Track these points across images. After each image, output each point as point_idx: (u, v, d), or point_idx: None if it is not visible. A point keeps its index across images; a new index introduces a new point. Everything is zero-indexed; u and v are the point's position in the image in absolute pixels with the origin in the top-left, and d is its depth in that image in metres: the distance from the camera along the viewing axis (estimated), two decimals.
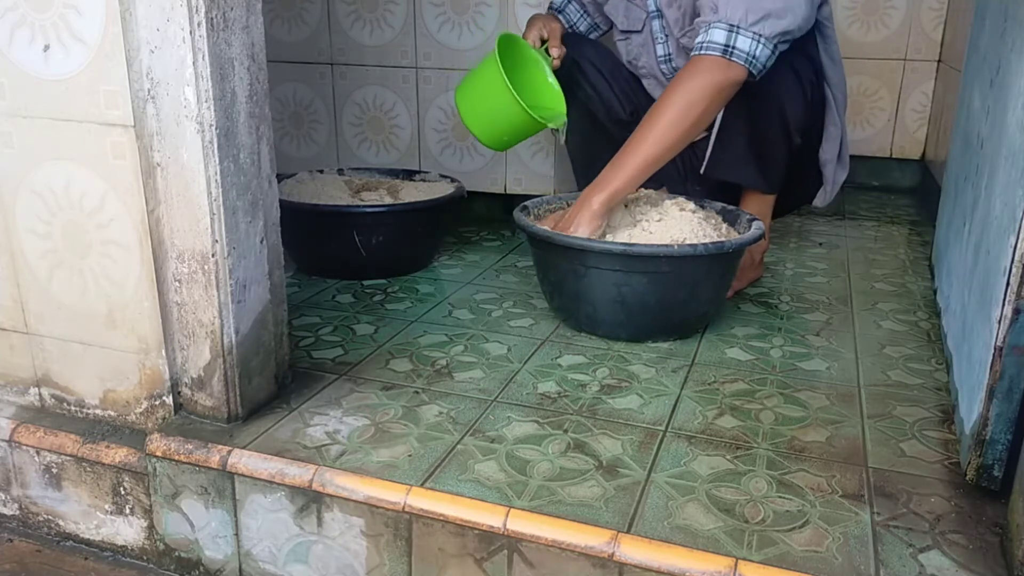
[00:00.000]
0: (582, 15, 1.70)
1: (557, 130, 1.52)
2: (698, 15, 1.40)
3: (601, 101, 1.64)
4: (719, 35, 1.28)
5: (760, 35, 1.28)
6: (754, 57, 1.29)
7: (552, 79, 1.57)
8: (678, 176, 1.65)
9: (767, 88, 1.36)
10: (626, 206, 1.43)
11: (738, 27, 1.27)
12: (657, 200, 1.43)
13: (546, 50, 1.56)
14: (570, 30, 1.68)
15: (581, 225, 1.31)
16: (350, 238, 1.55)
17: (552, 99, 1.57)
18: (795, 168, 1.50)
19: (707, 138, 1.65)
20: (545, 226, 1.36)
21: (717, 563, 0.80)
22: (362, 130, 2.09)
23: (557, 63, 1.56)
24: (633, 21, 1.62)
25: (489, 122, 1.49)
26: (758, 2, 1.27)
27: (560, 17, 1.69)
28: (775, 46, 1.30)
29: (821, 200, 1.59)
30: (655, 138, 1.31)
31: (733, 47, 1.28)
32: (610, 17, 1.67)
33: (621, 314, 1.28)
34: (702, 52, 1.30)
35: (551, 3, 1.71)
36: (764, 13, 1.27)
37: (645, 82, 1.68)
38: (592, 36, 1.72)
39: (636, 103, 1.68)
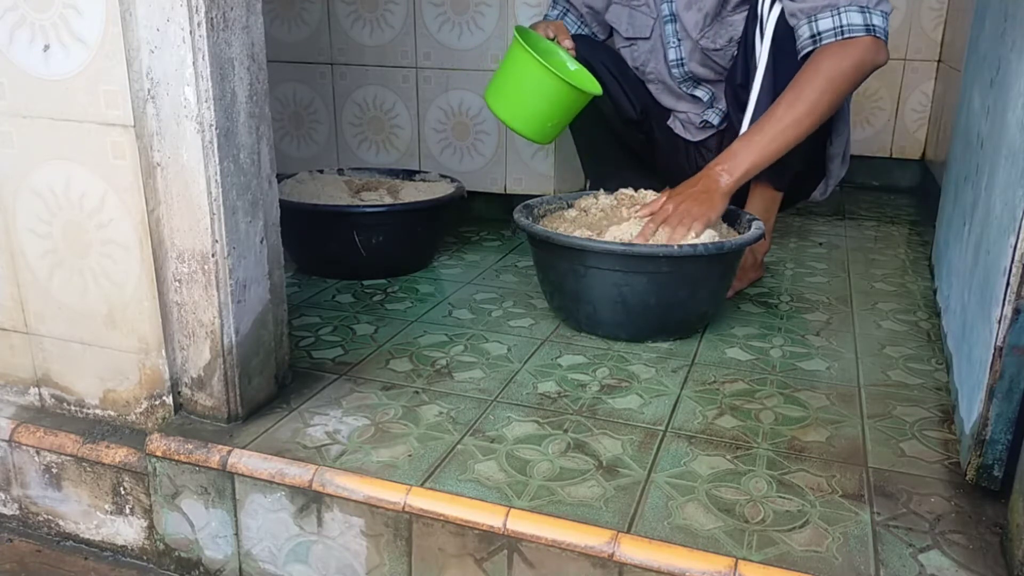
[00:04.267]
0: (580, 25, 1.70)
1: (600, 97, 1.49)
2: (772, 7, 1.38)
3: (611, 100, 1.64)
4: (856, 17, 1.29)
5: (886, 13, 1.30)
6: (887, 33, 1.31)
7: (572, 62, 1.54)
8: (683, 175, 1.65)
9: (782, 85, 1.37)
10: (625, 208, 1.43)
11: (868, 7, 1.29)
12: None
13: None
14: None
15: (714, 209, 1.29)
16: (350, 238, 1.55)
17: (579, 79, 1.53)
18: (803, 163, 1.51)
19: (712, 136, 1.66)
20: (645, 210, 1.32)
21: (717, 563, 0.80)
22: (362, 130, 2.09)
23: (572, 54, 1.55)
24: (639, 28, 1.62)
25: (529, 109, 1.44)
26: None
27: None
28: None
29: (820, 194, 1.60)
30: (796, 118, 1.30)
31: (873, 25, 1.29)
32: (612, 25, 1.67)
33: (621, 314, 1.28)
34: (844, 36, 1.29)
35: (546, 16, 1.71)
36: None
37: (651, 87, 1.68)
38: None
39: (645, 102, 1.68)
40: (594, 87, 1.50)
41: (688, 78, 1.61)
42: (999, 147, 1.01)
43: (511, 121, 1.45)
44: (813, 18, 1.32)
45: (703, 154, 1.67)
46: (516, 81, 1.43)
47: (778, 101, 1.32)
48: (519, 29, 1.47)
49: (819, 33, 1.31)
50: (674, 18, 1.57)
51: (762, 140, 1.31)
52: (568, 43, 1.53)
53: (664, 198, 1.34)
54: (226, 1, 0.93)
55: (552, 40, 1.55)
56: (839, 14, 1.30)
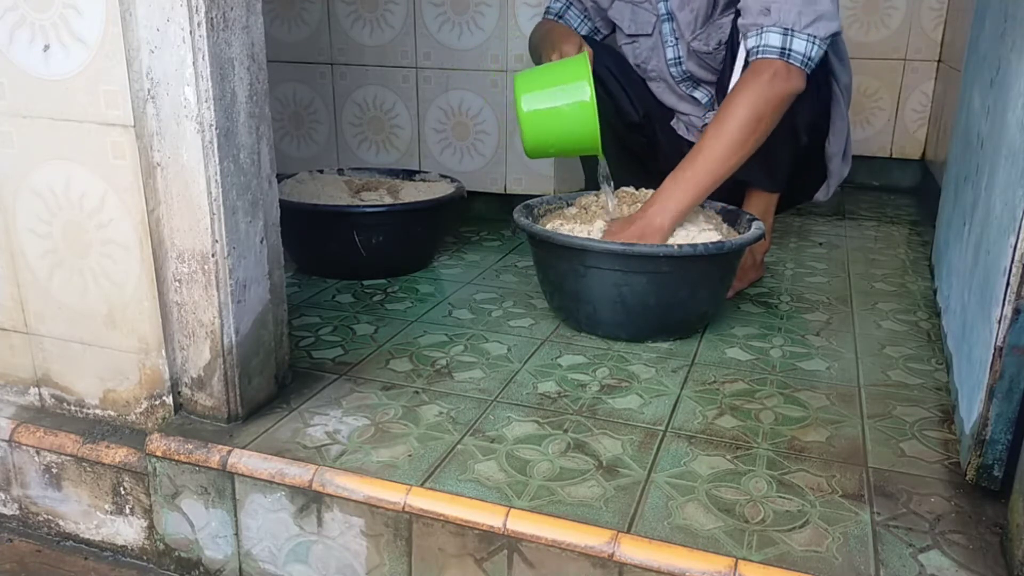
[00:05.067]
0: (583, 20, 1.69)
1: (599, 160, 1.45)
2: (737, 16, 1.37)
3: (613, 104, 1.64)
4: (775, 39, 1.28)
5: (815, 36, 1.27)
6: (809, 59, 1.29)
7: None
8: None
9: None
10: (627, 206, 1.43)
11: (792, 30, 1.27)
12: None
13: None
14: None
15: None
16: (350, 238, 1.55)
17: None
18: (800, 163, 1.50)
19: None
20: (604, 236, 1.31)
21: (717, 563, 0.80)
22: (362, 130, 2.09)
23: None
24: (641, 25, 1.62)
25: (552, 131, 1.37)
26: (810, 5, 1.27)
27: (562, 24, 1.68)
28: (825, 48, 1.30)
29: (823, 195, 1.59)
30: (722, 156, 1.28)
31: (790, 50, 1.27)
32: (615, 21, 1.66)
33: (621, 314, 1.28)
34: (758, 56, 1.29)
35: (548, 9, 1.70)
36: (816, 15, 1.27)
37: (653, 85, 1.67)
38: None
39: (647, 106, 1.68)
40: (600, 148, 1.46)
41: (687, 78, 1.61)
42: (999, 147, 1.01)
43: (528, 126, 1.38)
44: (745, 35, 1.33)
45: None
46: (561, 102, 1.36)
47: (704, 134, 1.32)
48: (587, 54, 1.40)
49: (747, 51, 1.32)
50: (671, 16, 1.56)
51: (693, 177, 1.30)
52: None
53: (604, 236, 1.33)
54: (226, 1, 0.93)
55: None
56: (760, 34, 1.29)
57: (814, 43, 1.28)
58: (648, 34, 1.62)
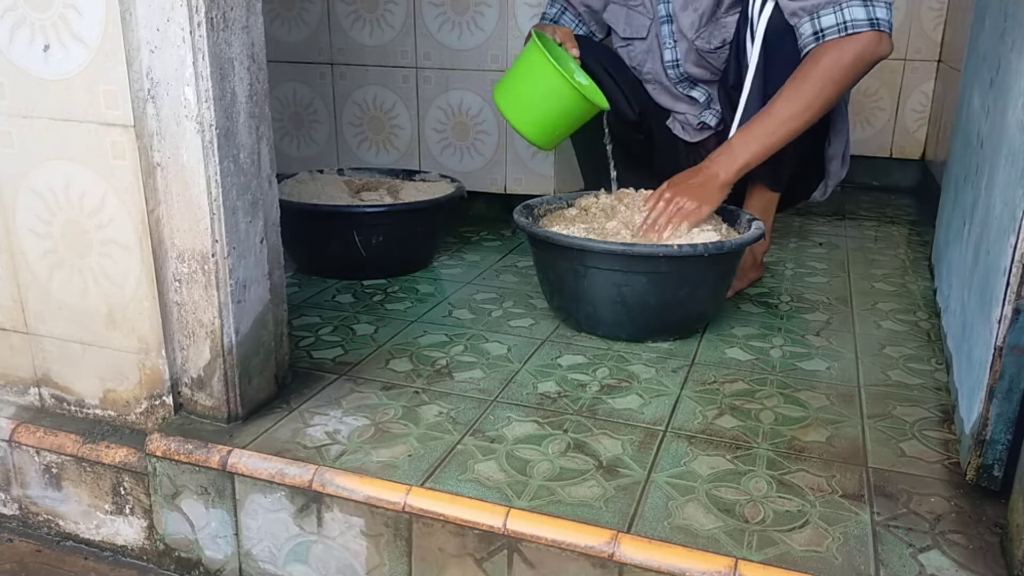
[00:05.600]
0: (578, 24, 1.70)
1: (605, 113, 1.48)
2: (785, 10, 1.37)
3: (609, 101, 1.64)
4: (859, 12, 1.28)
5: (889, 3, 1.29)
6: (891, 24, 1.30)
7: (579, 72, 1.53)
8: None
9: (772, 87, 1.37)
10: (625, 207, 1.43)
11: (870, 0, 1.28)
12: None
13: None
14: None
15: (709, 202, 1.30)
16: (350, 238, 1.55)
17: (590, 91, 1.52)
18: (800, 163, 1.50)
19: (711, 138, 1.66)
20: (649, 201, 1.33)
21: (717, 563, 0.80)
22: (362, 130, 2.09)
23: (578, 63, 1.54)
24: (636, 28, 1.62)
25: (538, 115, 1.42)
26: None
27: (547, 24, 1.68)
28: None
29: (820, 194, 1.60)
30: (795, 112, 1.29)
31: (877, 19, 1.28)
32: (609, 24, 1.67)
33: (621, 314, 1.28)
34: (848, 32, 1.29)
35: (544, 14, 1.70)
36: None
37: (649, 87, 1.67)
38: None
39: (644, 104, 1.68)
40: (602, 101, 1.49)
41: (684, 79, 1.62)
42: (999, 147, 1.01)
43: (518, 124, 1.44)
44: (815, 15, 1.31)
45: (701, 155, 1.66)
46: (529, 85, 1.42)
47: (777, 95, 1.32)
48: (537, 33, 1.45)
49: (822, 30, 1.31)
50: (671, 19, 1.57)
51: (760, 134, 1.31)
52: (575, 52, 1.52)
53: (664, 189, 1.35)
54: (226, 1, 0.93)
55: (559, 47, 1.55)
56: (842, 9, 1.29)
57: (889, 9, 1.30)
58: (643, 37, 1.62)
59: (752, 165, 1.32)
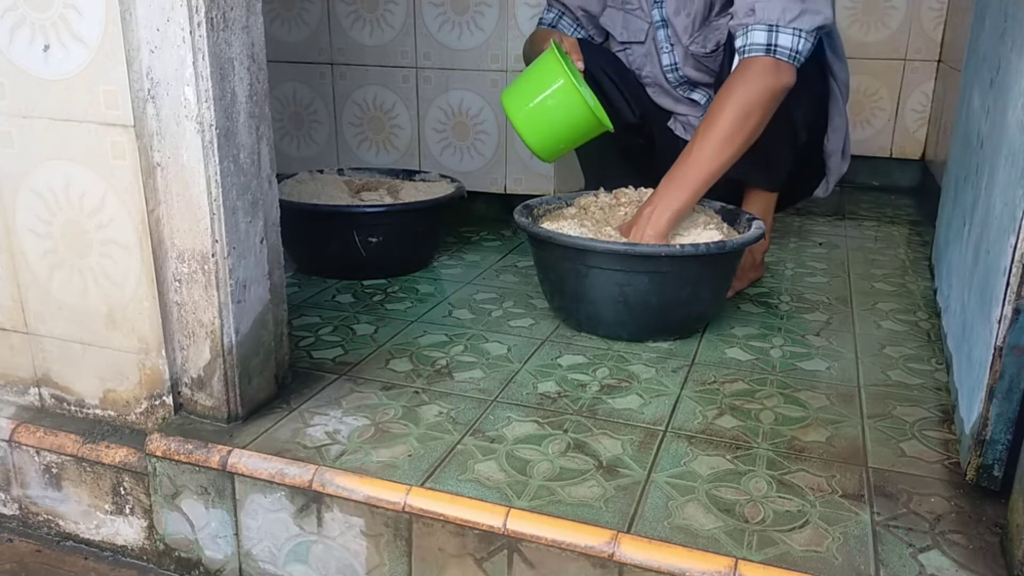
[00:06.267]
0: (576, 29, 1.69)
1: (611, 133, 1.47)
2: (729, 18, 1.37)
3: (610, 105, 1.64)
4: (760, 36, 1.28)
5: (800, 30, 1.28)
6: (797, 52, 1.29)
7: (587, 90, 1.50)
8: None
9: None
10: (624, 208, 1.43)
11: (777, 25, 1.27)
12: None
13: None
14: None
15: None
16: (350, 238, 1.55)
17: (600, 110, 1.51)
18: (800, 161, 1.50)
19: None
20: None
21: (717, 563, 0.80)
22: (362, 130, 2.09)
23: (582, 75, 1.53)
24: (633, 32, 1.62)
25: (549, 128, 1.40)
26: (794, 0, 1.27)
27: (545, 28, 1.67)
28: (814, 40, 1.30)
29: (823, 191, 1.60)
30: (713, 153, 1.29)
31: (776, 45, 1.28)
32: (607, 28, 1.66)
33: (623, 314, 1.28)
34: (745, 55, 1.29)
35: (541, 19, 1.70)
36: (800, 10, 1.27)
37: (649, 90, 1.68)
38: None
39: (644, 106, 1.68)
40: (607, 121, 1.47)
41: (684, 82, 1.62)
42: (999, 147, 1.01)
43: (526, 134, 1.41)
44: (734, 36, 1.33)
45: None
46: (543, 96, 1.39)
47: (696, 133, 1.32)
48: (556, 44, 1.42)
49: (736, 50, 1.32)
50: (666, 24, 1.57)
51: (687, 176, 1.30)
52: (581, 65, 1.51)
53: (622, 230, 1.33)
54: (226, 1, 0.93)
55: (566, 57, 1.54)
56: (746, 32, 1.30)
57: (800, 36, 1.28)
58: (641, 41, 1.62)
59: (688, 207, 1.31)
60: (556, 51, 1.38)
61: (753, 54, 1.28)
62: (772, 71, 1.28)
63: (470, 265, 1.71)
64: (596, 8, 1.66)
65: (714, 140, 1.28)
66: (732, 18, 1.34)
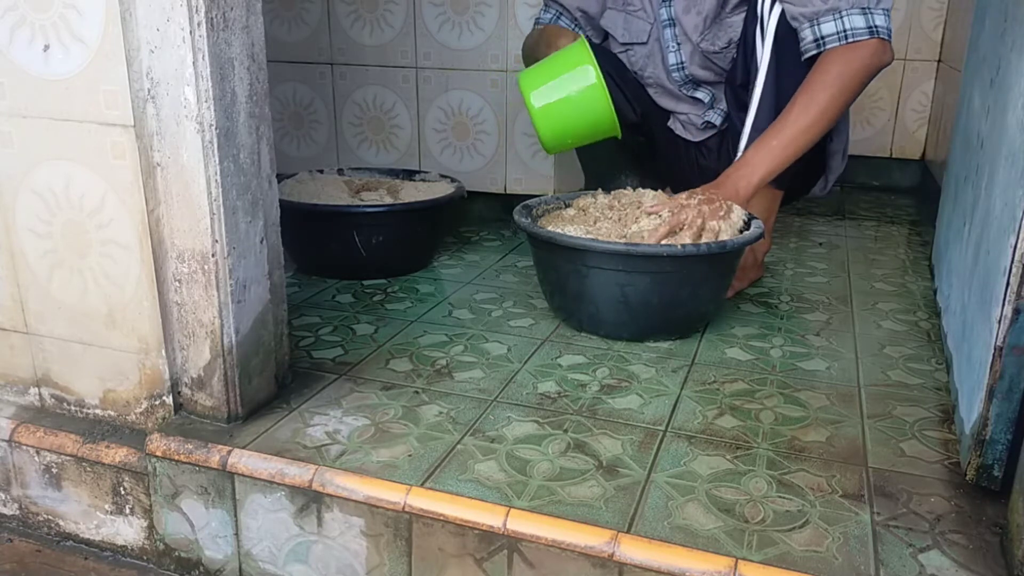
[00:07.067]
0: (574, 28, 1.69)
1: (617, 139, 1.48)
2: (749, 12, 1.38)
3: (612, 104, 1.64)
4: (858, 20, 1.30)
5: (887, 10, 1.32)
6: (889, 30, 1.32)
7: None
8: (683, 176, 1.65)
9: (784, 85, 1.37)
10: (623, 206, 1.43)
11: (869, 8, 1.30)
12: (660, 200, 1.42)
13: None
14: None
15: (729, 219, 1.30)
16: (350, 238, 1.55)
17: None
18: (802, 161, 1.51)
19: (713, 136, 1.66)
20: (665, 209, 1.31)
21: (717, 563, 0.80)
22: (362, 130, 2.09)
23: None
24: (636, 33, 1.61)
25: (566, 120, 1.39)
26: None
27: (552, 25, 1.67)
28: None
29: (820, 189, 1.60)
30: (810, 122, 1.31)
31: (876, 26, 1.30)
32: (607, 30, 1.66)
33: (624, 314, 1.28)
34: (848, 40, 1.30)
35: (538, 19, 1.70)
36: None
37: (650, 91, 1.67)
38: None
39: (644, 105, 1.68)
40: (619, 127, 1.46)
41: (688, 81, 1.61)
42: (999, 147, 1.01)
43: (542, 125, 1.40)
44: (815, 22, 1.32)
45: (704, 154, 1.67)
46: (569, 91, 1.38)
47: (790, 105, 1.33)
48: (584, 39, 1.42)
49: (822, 37, 1.32)
50: (673, 22, 1.56)
51: (778, 146, 1.32)
52: None
53: (684, 200, 1.32)
54: (226, 1, 0.93)
55: None
56: (841, 18, 1.30)
57: (888, 16, 1.32)
58: (643, 42, 1.61)
59: (771, 177, 1.34)
60: (587, 46, 1.38)
61: (858, 38, 1.30)
62: (879, 51, 1.31)
63: (470, 265, 1.71)
64: (595, 9, 1.66)
65: (810, 112, 1.31)
66: (799, 5, 1.34)
